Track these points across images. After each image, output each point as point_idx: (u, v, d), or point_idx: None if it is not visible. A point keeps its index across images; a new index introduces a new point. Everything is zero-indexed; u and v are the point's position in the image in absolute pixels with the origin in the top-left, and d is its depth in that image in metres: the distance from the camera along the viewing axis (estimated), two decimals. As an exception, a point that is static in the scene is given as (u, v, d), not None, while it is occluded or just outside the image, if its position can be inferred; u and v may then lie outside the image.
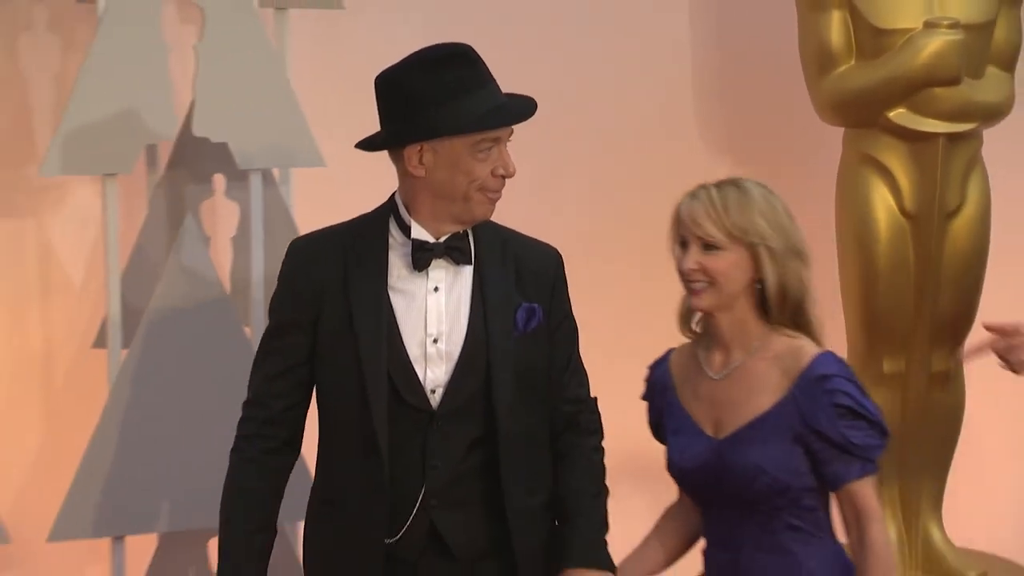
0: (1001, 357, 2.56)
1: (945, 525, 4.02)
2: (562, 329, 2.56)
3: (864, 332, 3.80)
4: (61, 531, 3.20)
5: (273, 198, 3.47)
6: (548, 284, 2.59)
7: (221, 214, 3.67)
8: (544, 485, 2.53)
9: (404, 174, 2.46)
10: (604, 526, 2.56)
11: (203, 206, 3.56)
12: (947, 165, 3.60)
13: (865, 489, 2.37)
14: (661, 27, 4.28)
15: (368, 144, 2.49)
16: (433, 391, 2.45)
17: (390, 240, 2.53)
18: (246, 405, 2.53)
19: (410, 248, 2.46)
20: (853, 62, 3.67)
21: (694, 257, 2.33)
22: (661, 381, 2.55)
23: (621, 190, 3.95)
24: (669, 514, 2.62)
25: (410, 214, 2.47)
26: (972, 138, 3.64)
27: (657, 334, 2.57)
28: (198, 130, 3.27)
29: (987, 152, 3.82)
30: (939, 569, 3.91)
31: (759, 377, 2.41)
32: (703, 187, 2.38)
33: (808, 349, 2.39)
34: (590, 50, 4.22)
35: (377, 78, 2.51)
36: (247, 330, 3.36)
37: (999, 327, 2.54)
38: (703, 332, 2.46)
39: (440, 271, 2.49)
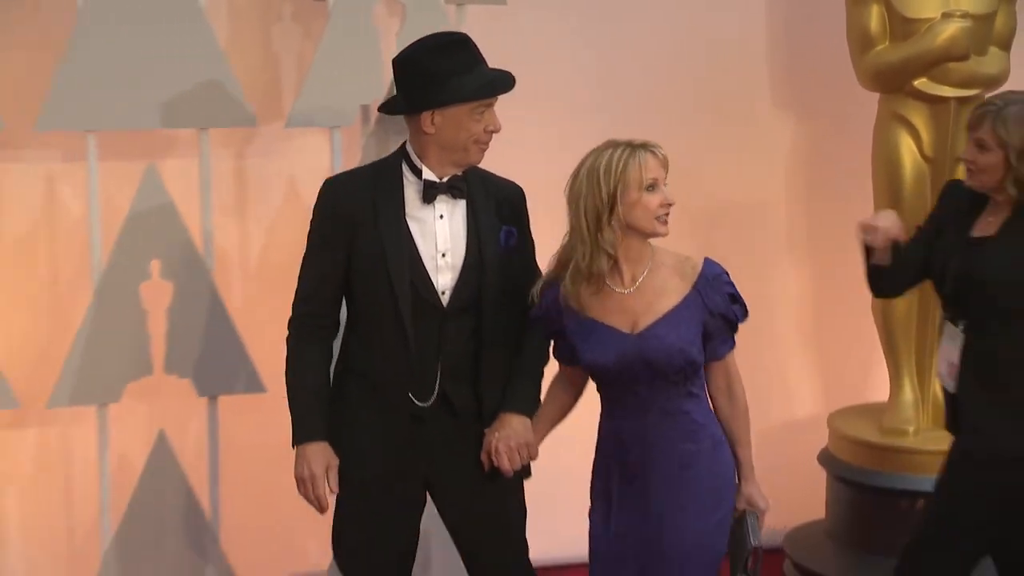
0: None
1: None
2: (526, 244, 3.29)
3: None
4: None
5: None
6: (518, 212, 3.29)
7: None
8: (509, 358, 3.27)
9: (417, 131, 3.15)
10: (538, 387, 3.27)
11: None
12: (957, 121, 4.35)
13: (732, 359, 3.09)
14: (748, 24, 4.97)
15: (389, 109, 3.27)
16: (443, 293, 3.14)
17: (404, 180, 3.18)
18: (297, 303, 3.24)
19: (421, 186, 3.14)
20: (887, 43, 4.41)
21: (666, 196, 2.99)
22: (551, 314, 3.16)
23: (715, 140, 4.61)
24: (557, 384, 3.27)
25: (420, 160, 3.16)
26: (977, 101, 4.23)
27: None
28: None
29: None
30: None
31: (662, 284, 3.05)
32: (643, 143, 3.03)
33: (695, 258, 3.09)
34: (693, 27, 4.83)
35: (395, 59, 3.23)
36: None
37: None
38: (602, 269, 3.02)
39: (443, 203, 3.17)
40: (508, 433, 3.15)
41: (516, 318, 3.26)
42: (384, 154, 4.13)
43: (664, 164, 3.06)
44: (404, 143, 3.25)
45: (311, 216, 3.23)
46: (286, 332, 3.32)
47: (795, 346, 5.37)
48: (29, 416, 4.35)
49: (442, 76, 3.11)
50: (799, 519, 4.88)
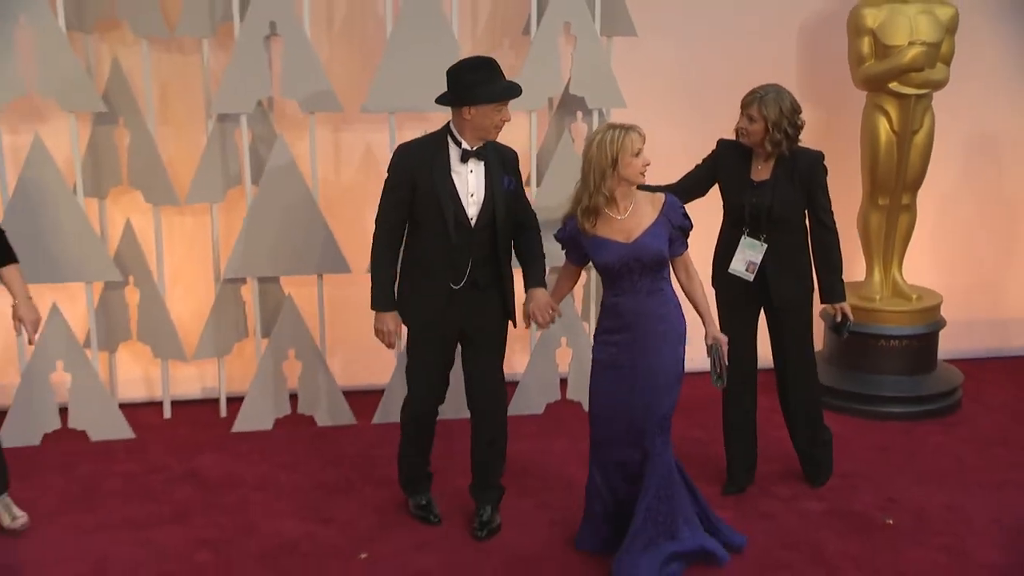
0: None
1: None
2: (519, 185, 4.17)
3: (870, 185, 5.77)
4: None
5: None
6: (514, 165, 4.13)
7: (581, 130, 5.59)
8: (511, 254, 4.16)
9: (458, 117, 3.99)
10: (543, 269, 4.14)
11: (572, 126, 5.57)
12: (915, 109, 5.54)
13: (688, 254, 3.93)
14: (785, 51, 6.07)
15: (442, 102, 4.00)
16: (473, 218, 4.03)
17: (449, 148, 4.01)
18: (380, 220, 4.07)
19: (460, 152, 3.99)
20: (873, 60, 5.54)
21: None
22: (571, 236, 3.90)
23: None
24: (566, 272, 4.11)
25: (459, 135, 3.99)
26: (927, 97, 5.59)
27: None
28: (574, 89, 5.43)
29: (935, 104, 5.65)
30: (899, 293, 5.80)
31: (642, 211, 3.81)
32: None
33: (659, 195, 3.90)
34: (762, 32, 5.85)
35: (448, 70, 3.98)
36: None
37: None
38: (601, 205, 3.72)
39: (472, 163, 4.03)
40: (536, 302, 4.08)
41: (515, 231, 4.18)
42: (560, 128, 5.55)
43: (643, 139, 3.82)
44: (448, 123, 4.08)
45: (388, 166, 4.10)
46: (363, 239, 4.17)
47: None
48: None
49: (477, 84, 3.94)
50: None
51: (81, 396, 5.38)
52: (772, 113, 4.22)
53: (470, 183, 4.02)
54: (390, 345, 4.16)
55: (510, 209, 4.10)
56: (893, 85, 5.54)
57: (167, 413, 5.75)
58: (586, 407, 4.25)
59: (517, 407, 5.65)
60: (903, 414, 5.50)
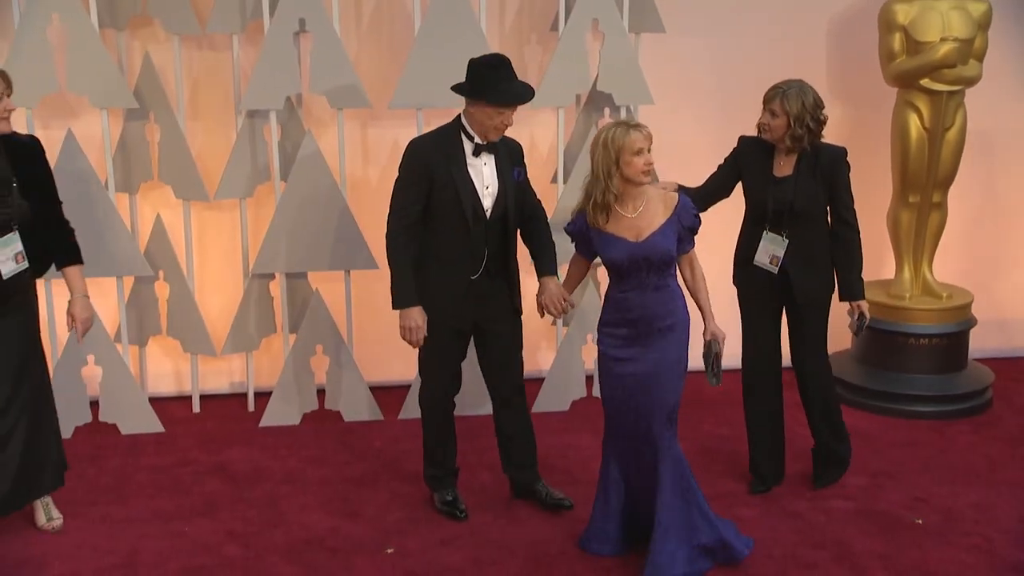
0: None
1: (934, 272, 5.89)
2: (526, 175, 4.25)
3: (900, 183, 5.73)
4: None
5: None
6: (520, 158, 4.20)
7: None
8: (516, 249, 4.17)
9: (469, 111, 4.05)
10: (554, 258, 4.21)
11: (600, 123, 5.53)
12: (947, 106, 5.50)
13: (694, 252, 3.94)
14: (813, 50, 6.05)
15: (457, 90, 4.07)
16: (488, 210, 4.09)
17: (463, 141, 4.06)
18: (394, 216, 4.08)
19: (473, 147, 4.06)
20: (904, 57, 5.52)
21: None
22: (581, 230, 3.90)
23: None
24: (576, 264, 4.11)
25: (470, 129, 4.06)
26: (959, 94, 5.53)
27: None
28: (601, 86, 5.45)
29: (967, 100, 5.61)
30: (930, 291, 5.78)
31: (653, 210, 3.81)
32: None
33: (672, 194, 3.89)
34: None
35: (470, 61, 4.02)
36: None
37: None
38: (611, 202, 3.71)
39: (485, 156, 4.10)
40: (548, 293, 4.19)
41: (524, 220, 4.26)
42: (588, 125, 5.57)
43: (648, 138, 3.76)
44: (459, 116, 4.14)
45: (401, 162, 4.12)
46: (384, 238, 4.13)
47: None
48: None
49: (483, 82, 3.98)
50: (836, 349, 5.60)
51: (112, 390, 5.44)
52: (794, 108, 4.21)
53: (484, 175, 4.08)
54: (417, 343, 4.16)
55: (518, 201, 4.18)
56: (925, 82, 5.52)
57: (196, 407, 5.80)
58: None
59: (543, 404, 5.67)
60: (933, 413, 5.49)
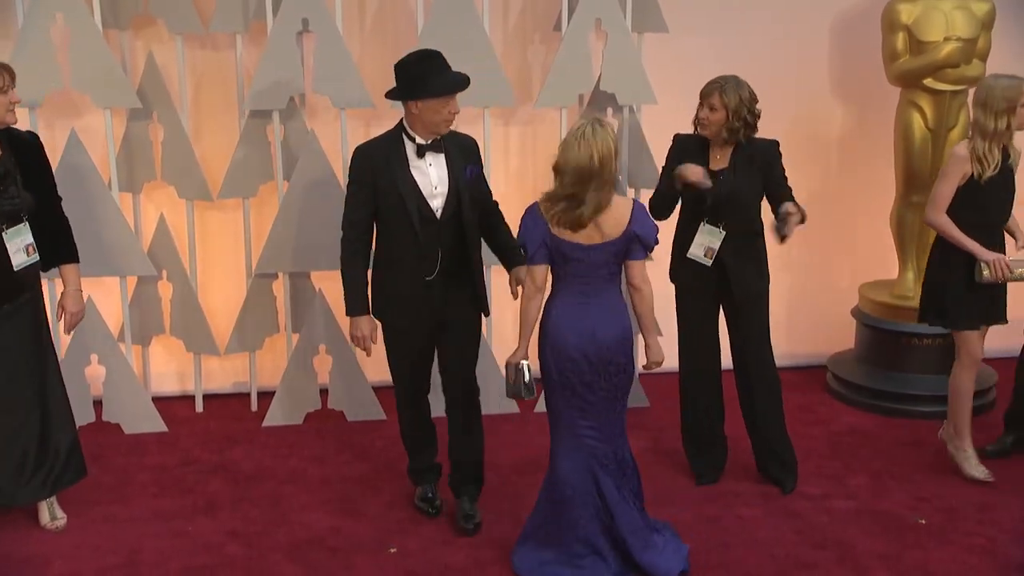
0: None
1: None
2: (481, 171, 4.16)
3: (903, 183, 5.72)
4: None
5: (632, 121, 5.48)
6: (474, 154, 4.09)
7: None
8: (479, 244, 4.12)
9: (408, 113, 3.96)
10: (519, 249, 3.92)
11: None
12: (950, 106, 5.49)
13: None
14: (817, 49, 6.02)
15: (391, 96, 3.99)
16: (438, 210, 4.01)
17: (404, 144, 3.97)
18: (346, 225, 4.06)
19: (415, 147, 3.96)
20: (908, 56, 5.50)
21: None
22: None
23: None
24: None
25: (412, 131, 3.97)
26: (963, 93, 5.47)
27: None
28: (604, 86, 5.42)
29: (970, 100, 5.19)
30: None
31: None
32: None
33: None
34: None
35: (396, 64, 3.94)
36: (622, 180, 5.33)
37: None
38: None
39: (430, 156, 4.00)
40: (522, 277, 4.02)
41: (481, 219, 4.17)
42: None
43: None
44: (402, 119, 4.05)
45: (349, 169, 4.11)
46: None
47: (841, 244, 6.21)
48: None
49: (420, 77, 3.89)
50: (837, 349, 6.10)
51: (115, 389, 5.44)
52: (732, 101, 4.28)
53: (432, 176, 4.02)
54: (367, 350, 4.16)
55: (475, 198, 4.11)
56: (928, 81, 5.51)
57: (199, 407, 5.80)
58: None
59: (543, 403, 5.60)
60: (935, 413, 5.43)
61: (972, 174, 4.48)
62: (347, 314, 4.14)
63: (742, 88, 4.31)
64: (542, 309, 3.90)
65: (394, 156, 3.97)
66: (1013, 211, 4.63)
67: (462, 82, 3.93)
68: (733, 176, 4.37)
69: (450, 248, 4.08)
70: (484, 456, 4.43)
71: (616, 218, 3.78)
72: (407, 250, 4.04)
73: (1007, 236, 4.69)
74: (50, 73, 5.11)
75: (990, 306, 4.60)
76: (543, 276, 3.87)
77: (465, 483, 4.42)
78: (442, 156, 4.02)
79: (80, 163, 5.17)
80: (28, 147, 4.14)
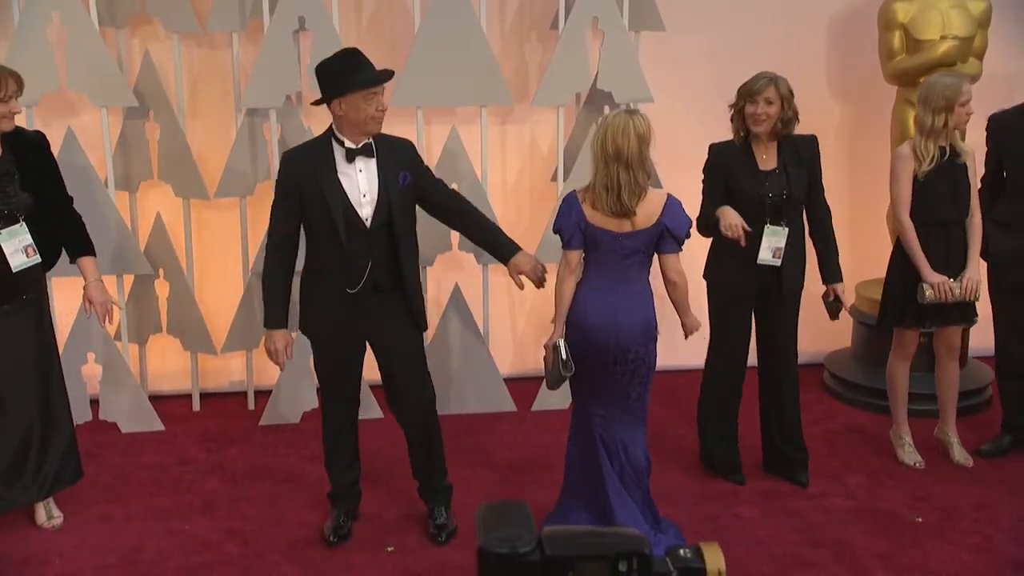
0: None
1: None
2: (426, 174, 4.00)
3: None
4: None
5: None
6: (408, 158, 3.90)
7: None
8: (415, 255, 3.91)
9: (334, 115, 3.82)
10: (505, 235, 4.00)
11: (600, 121, 4.90)
12: None
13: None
14: (816, 48, 6.07)
15: (316, 102, 3.88)
16: (367, 219, 3.81)
17: (333, 148, 3.80)
18: (270, 234, 3.95)
19: (344, 152, 3.79)
20: (904, 55, 5.53)
21: None
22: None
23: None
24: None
25: (340, 134, 3.80)
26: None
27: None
28: (601, 84, 5.42)
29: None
30: None
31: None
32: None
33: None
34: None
35: (316, 67, 3.83)
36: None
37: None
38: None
39: (360, 161, 3.82)
40: (523, 266, 4.01)
41: (450, 216, 4.08)
42: (587, 126, 5.52)
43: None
44: (331, 124, 3.90)
45: (276, 176, 3.96)
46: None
47: (838, 242, 5.46)
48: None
49: (338, 75, 3.75)
50: (834, 347, 6.09)
51: (112, 388, 5.44)
52: (784, 90, 4.32)
53: (360, 183, 3.87)
54: (279, 364, 4.03)
55: (408, 207, 3.95)
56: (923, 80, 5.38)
57: (196, 406, 5.80)
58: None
59: (542, 402, 5.68)
60: (933, 411, 5.42)
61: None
62: (264, 325, 4.03)
63: (785, 79, 4.38)
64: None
65: (321, 161, 3.82)
66: (975, 216, 4.67)
67: (385, 76, 3.82)
68: (786, 173, 4.39)
69: (380, 261, 3.90)
70: (446, 464, 4.33)
71: (649, 208, 3.82)
72: (331, 261, 3.88)
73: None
74: (46, 72, 5.11)
75: (930, 309, 4.66)
76: (577, 260, 3.91)
77: (436, 498, 4.32)
78: (373, 161, 3.85)
79: (77, 162, 5.17)
80: (32, 147, 4.12)
